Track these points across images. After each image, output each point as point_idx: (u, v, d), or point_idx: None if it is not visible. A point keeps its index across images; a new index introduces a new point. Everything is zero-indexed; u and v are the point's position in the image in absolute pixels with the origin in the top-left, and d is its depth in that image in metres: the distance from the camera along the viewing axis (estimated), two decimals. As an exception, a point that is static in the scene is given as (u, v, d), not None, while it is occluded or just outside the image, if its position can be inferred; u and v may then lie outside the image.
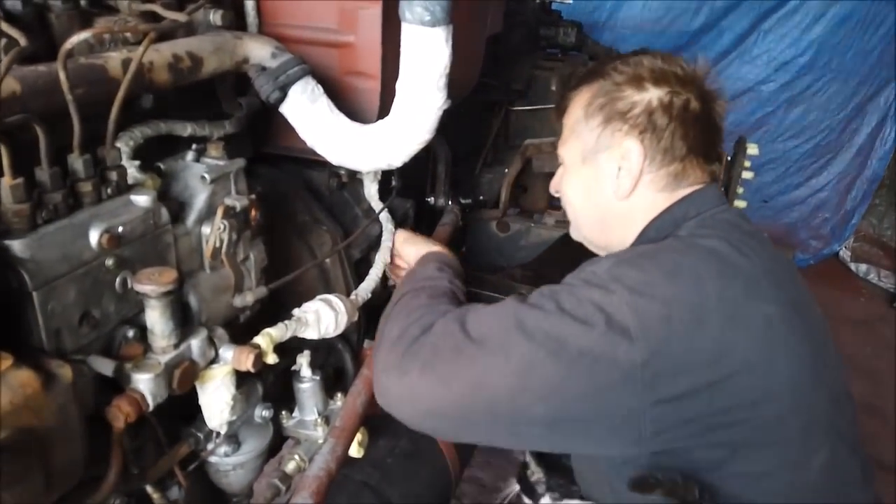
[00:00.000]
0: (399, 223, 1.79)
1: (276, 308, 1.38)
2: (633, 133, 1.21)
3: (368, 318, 1.72)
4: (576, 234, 1.41)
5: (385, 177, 1.71)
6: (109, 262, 0.94)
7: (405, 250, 1.57)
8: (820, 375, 1.12)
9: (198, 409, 1.16)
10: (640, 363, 0.98)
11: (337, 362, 1.64)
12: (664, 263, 1.08)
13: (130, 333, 1.00)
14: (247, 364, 1.08)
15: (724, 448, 1.05)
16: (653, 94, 1.22)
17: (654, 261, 1.09)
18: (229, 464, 1.29)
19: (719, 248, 1.10)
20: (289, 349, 1.35)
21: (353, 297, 1.41)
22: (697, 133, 1.22)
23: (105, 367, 0.91)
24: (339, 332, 1.34)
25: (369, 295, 1.48)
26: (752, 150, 2.34)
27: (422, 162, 2.11)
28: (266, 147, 1.51)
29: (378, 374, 1.16)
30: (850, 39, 4.37)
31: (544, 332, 1.03)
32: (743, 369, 1.02)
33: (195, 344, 1.04)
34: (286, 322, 1.22)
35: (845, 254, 4.86)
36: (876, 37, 4.33)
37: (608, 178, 1.25)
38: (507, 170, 2.49)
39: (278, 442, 1.47)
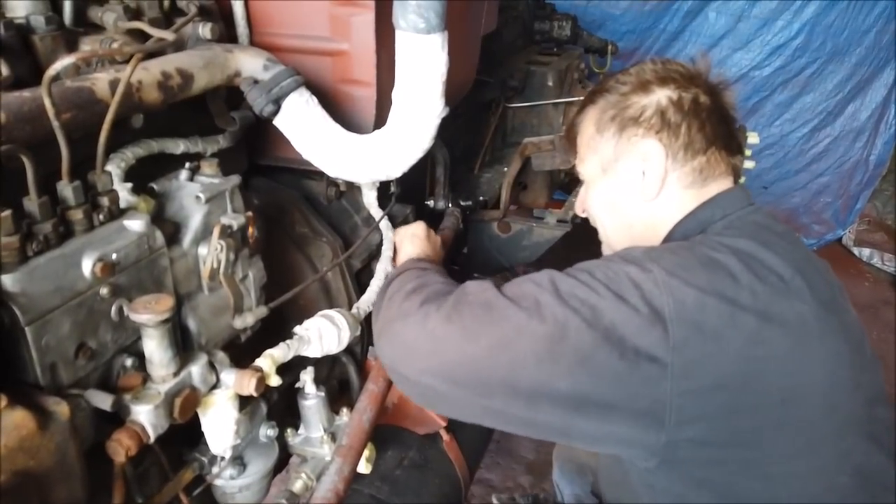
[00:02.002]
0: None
1: (277, 322, 1.36)
2: (649, 135, 1.20)
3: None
4: (608, 251, 1.35)
5: (384, 183, 1.68)
6: (104, 290, 0.92)
7: (404, 245, 1.52)
8: (857, 378, 1.08)
9: (202, 433, 1.13)
10: (671, 351, 0.96)
11: (341, 374, 1.62)
12: (698, 254, 1.06)
13: (129, 362, 0.97)
14: (249, 388, 1.05)
15: (752, 448, 1.02)
16: (661, 95, 1.21)
17: (689, 250, 1.08)
18: (235, 486, 1.27)
19: (749, 248, 1.07)
20: (292, 365, 1.33)
21: (354, 310, 1.38)
22: (714, 125, 1.21)
23: (103, 401, 0.88)
24: (342, 348, 1.31)
25: (371, 307, 1.45)
26: (753, 138, 2.30)
27: (420, 165, 2.08)
28: (262, 159, 1.48)
29: (390, 322, 1.11)
30: (843, 19, 4.32)
31: (579, 300, 1.01)
32: (775, 366, 1.00)
33: (195, 371, 1.01)
34: (288, 342, 1.20)
35: (848, 238, 4.82)
36: (872, 16, 4.28)
37: (633, 183, 1.23)
38: (506, 169, 2.47)
39: (284, 459, 1.45)
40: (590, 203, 1.34)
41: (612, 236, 1.32)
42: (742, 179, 2.34)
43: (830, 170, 4.67)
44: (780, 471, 1.03)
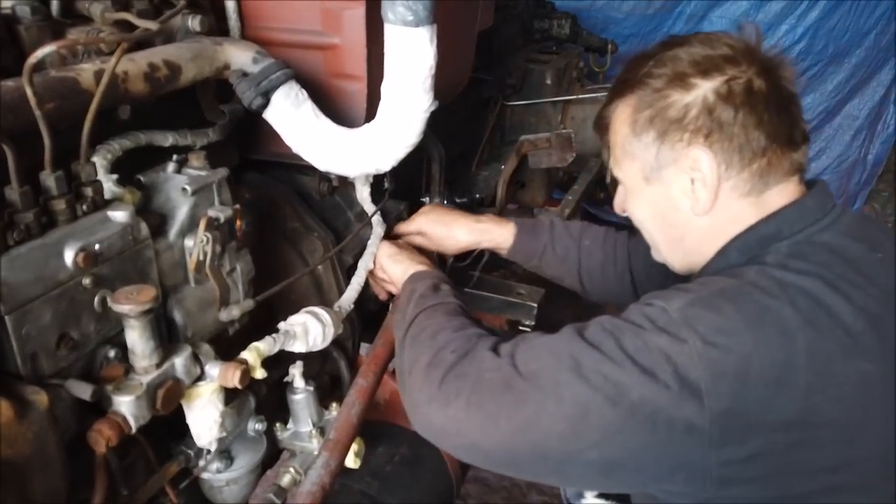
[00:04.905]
0: (393, 226, 1.76)
1: (269, 318, 1.36)
2: (697, 140, 1.05)
3: (365, 323, 1.69)
4: (657, 255, 1.25)
5: (377, 179, 1.68)
6: (86, 281, 0.92)
7: (390, 268, 1.50)
8: None
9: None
10: (708, 422, 0.89)
11: (332, 370, 1.62)
12: (746, 308, 0.94)
13: (112, 353, 0.97)
14: (233, 381, 1.05)
15: None
16: (705, 89, 1.04)
17: (735, 304, 0.95)
18: (222, 479, 1.26)
19: (816, 291, 0.95)
20: (282, 360, 1.33)
21: (336, 308, 1.38)
22: (773, 116, 1.04)
23: (83, 390, 0.88)
24: (326, 344, 1.31)
25: (352, 306, 1.45)
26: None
27: (416, 162, 2.08)
28: (254, 153, 1.48)
29: (416, 405, 1.09)
30: (845, 22, 4.31)
31: (602, 376, 0.93)
32: (829, 434, 0.92)
33: (179, 362, 1.01)
34: (274, 336, 1.20)
35: (849, 239, 4.81)
36: (872, 18, 4.28)
37: (681, 193, 1.10)
38: (503, 167, 2.46)
39: (275, 454, 1.44)
40: (632, 211, 1.22)
41: (663, 249, 1.22)
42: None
43: (829, 169, 4.67)
44: None
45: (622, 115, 1.15)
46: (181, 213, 1.08)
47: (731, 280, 1.00)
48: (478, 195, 2.40)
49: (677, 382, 0.89)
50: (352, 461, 1.36)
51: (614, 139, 1.19)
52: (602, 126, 1.23)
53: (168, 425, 1.12)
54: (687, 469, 0.93)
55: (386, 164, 1.31)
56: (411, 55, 1.16)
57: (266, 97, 1.21)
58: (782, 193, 1.08)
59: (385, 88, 1.23)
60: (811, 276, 0.97)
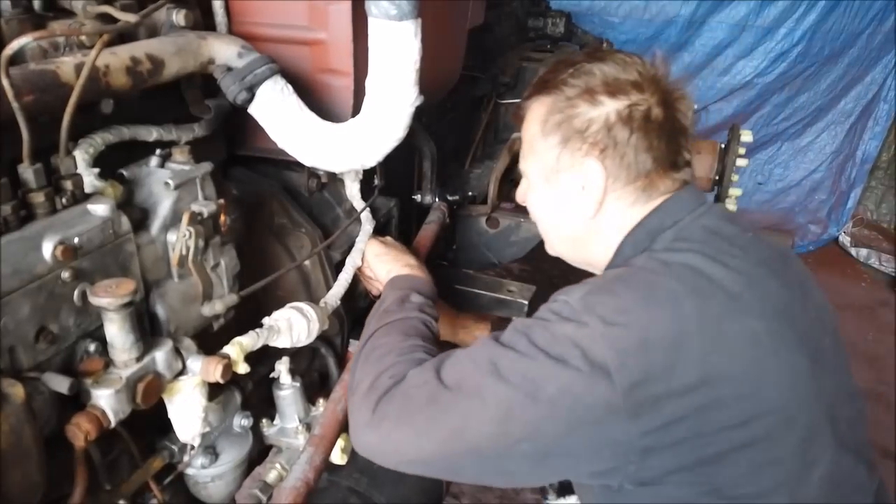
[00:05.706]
0: (382, 223, 1.76)
1: (256, 313, 1.35)
2: (593, 152, 1.15)
3: (354, 320, 1.69)
4: (550, 249, 1.35)
5: (367, 176, 1.68)
6: (66, 274, 0.91)
7: (376, 267, 1.52)
8: (817, 384, 1.06)
9: (173, 421, 1.13)
10: (620, 397, 0.95)
11: (321, 366, 1.61)
12: (638, 286, 1.04)
13: (92, 347, 0.97)
14: (215, 375, 1.04)
15: (718, 469, 1.00)
16: (610, 108, 1.14)
17: (627, 284, 1.05)
18: (207, 475, 1.26)
19: (696, 263, 1.05)
20: (269, 356, 1.32)
21: (322, 304, 1.37)
22: (663, 142, 1.15)
23: (60, 384, 0.88)
24: (310, 339, 1.30)
25: (338, 302, 1.44)
26: (746, 136, 2.29)
27: (408, 159, 2.08)
28: (241, 149, 1.48)
29: (355, 429, 1.12)
30: (840, 24, 4.37)
31: (520, 374, 1.00)
32: (730, 391, 0.98)
33: (160, 356, 1.00)
34: (257, 330, 1.19)
35: (845, 239, 4.82)
36: (866, 20, 4.34)
37: (573, 197, 1.20)
38: (495, 164, 2.46)
39: (265, 451, 1.44)
40: (531, 205, 1.31)
41: (555, 241, 1.31)
42: (735, 177, 2.32)
43: (823, 166, 4.72)
44: (750, 490, 1.01)
45: (536, 112, 1.23)
46: (164, 207, 1.08)
47: (624, 269, 1.12)
48: (470, 193, 2.39)
49: (587, 365, 0.96)
50: (339, 457, 1.36)
51: (525, 132, 1.27)
52: (518, 117, 1.30)
53: (153, 420, 1.12)
54: (612, 445, 0.98)
55: (372, 159, 1.30)
56: (396, 49, 1.16)
57: (251, 92, 1.21)
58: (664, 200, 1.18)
59: (370, 83, 1.23)
60: (691, 252, 1.07)
